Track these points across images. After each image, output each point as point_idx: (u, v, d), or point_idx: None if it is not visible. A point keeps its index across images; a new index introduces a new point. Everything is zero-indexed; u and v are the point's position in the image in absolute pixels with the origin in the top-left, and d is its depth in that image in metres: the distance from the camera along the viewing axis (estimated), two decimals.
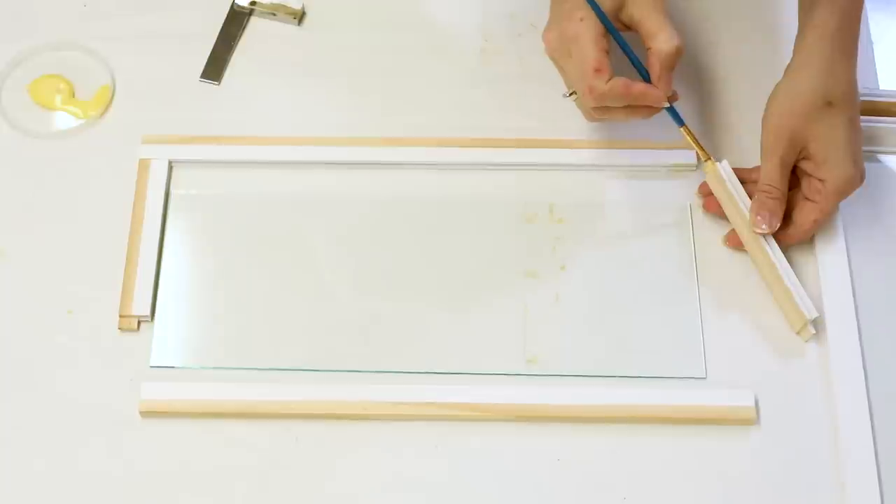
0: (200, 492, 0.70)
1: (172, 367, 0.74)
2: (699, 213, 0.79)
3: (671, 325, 0.75)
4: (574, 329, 0.75)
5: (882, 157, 0.81)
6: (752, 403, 0.72)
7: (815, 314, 0.74)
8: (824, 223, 0.77)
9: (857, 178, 0.74)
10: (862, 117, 0.75)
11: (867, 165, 0.75)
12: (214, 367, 0.74)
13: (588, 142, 0.82)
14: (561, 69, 0.76)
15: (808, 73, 0.74)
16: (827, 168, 0.74)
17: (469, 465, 0.71)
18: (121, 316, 0.75)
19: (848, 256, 0.77)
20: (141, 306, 0.75)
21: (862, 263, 0.77)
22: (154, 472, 0.71)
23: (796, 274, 0.75)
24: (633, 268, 0.77)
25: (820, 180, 0.74)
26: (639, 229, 0.79)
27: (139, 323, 0.75)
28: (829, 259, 0.77)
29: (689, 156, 0.81)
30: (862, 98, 0.77)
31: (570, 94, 0.76)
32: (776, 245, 0.76)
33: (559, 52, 0.74)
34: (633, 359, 0.74)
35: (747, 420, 0.72)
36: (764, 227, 0.75)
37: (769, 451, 0.71)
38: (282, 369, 0.74)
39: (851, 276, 0.76)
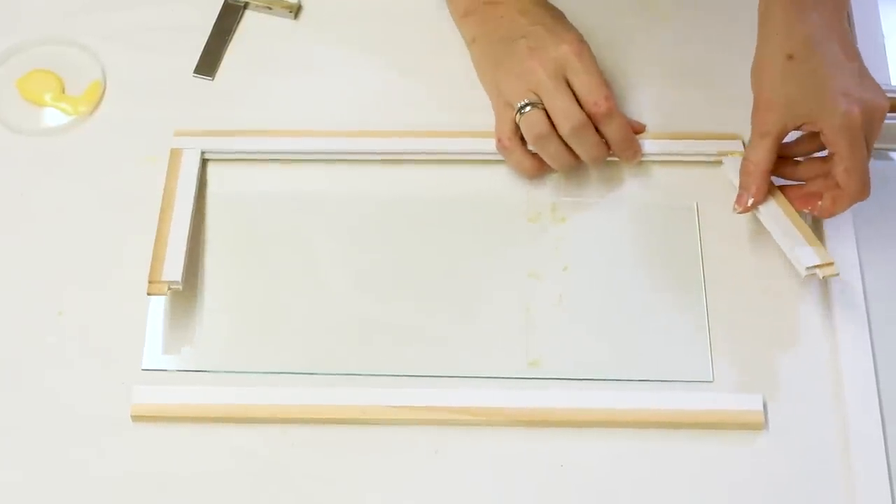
0: (194, 498, 0.69)
1: (165, 370, 0.73)
2: (705, 212, 0.78)
3: (677, 327, 0.74)
4: (577, 331, 0.74)
5: (894, 155, 0.80)
6: (760, 408, 0.71)
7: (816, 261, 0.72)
8: (860, 169, 0.71)
9: (853, 109, 0.70)
10: None
11: (876, 163, 0.73)
12: (208, 371, 0.73)
13: None
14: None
15: (763, 39, 0.73)
16: (818, 119, 0.71)
17: (470, 470, 0.70)
18: (150, 281, 0.72)
19: (859, 256, 0.76)
20: (172, 272, 0.72)
21: (874, 263, 0.76)
22: (145, 478, 0.69)
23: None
24: (637, 268, 0.76)
25: (821, 132, 0.72)
26: (644, 229, 0.78)
27: (169, 288, 0.72)
28: (840, 258, 0.75)
29: (705, 146, 0.80)
30: None
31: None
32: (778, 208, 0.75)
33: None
34: (638, 362, 0.73)
35: (755, 425, 0.71)
36: (737, 207, 0.75)
37: (778, 456, 0.70)
38: (277, 373, 0.73)
39: (862, 276, 0.75)
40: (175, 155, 0.78)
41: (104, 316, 0.74)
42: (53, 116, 0.82)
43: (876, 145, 0.74)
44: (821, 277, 0.72)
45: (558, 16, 0.79)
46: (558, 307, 0.75)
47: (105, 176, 0.79)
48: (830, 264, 0.72)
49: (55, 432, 0.71)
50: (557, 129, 0.75)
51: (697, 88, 0.83)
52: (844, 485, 0.69)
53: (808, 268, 0.72)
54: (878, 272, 0.76)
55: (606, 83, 0.76)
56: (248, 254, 0.77)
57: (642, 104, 0.82)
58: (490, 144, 0.79)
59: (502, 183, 0.79)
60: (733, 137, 0.80)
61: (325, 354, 0.73)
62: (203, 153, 0.79)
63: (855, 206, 0.76)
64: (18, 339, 0.73)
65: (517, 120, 0.75)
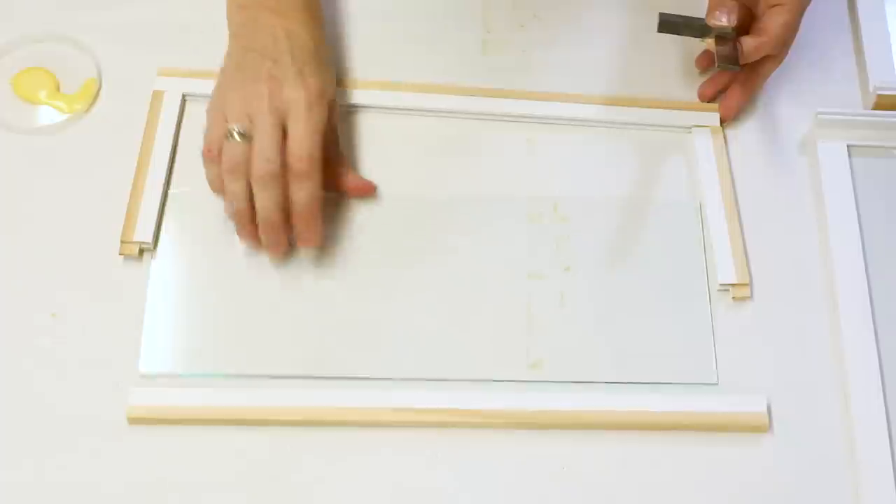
0: (192, 500, 0.68)
1: (162, 372, 0.72)
2: (709, 212, 0.77)
3: (681, 328, 0.74)
4: (579, 332, 0.73)
5: None
6: (764, 410, 0.71)
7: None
8: (795, 27, 0.75)
9: None
10: (876, 112, 0.73)
11: (882, 162, 0.73)
12: (206, 374, 0.72)
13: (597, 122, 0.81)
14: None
15: None
16: None
17: (470, 473, 0.70)
18: (122, 241, 0.73)
19: (864, 256, 0.75)
20: (143, 233, 0.73)
21: (879, 263, 0.75)
22: (142, 482, 0.69)
23: None
24: (640, 268, 0.76)
25: None
26: (647, 228, 0.77)
27: (141, 251, 0.73)
28: (845, 257, 0.75)
29: (706, 118, 0.80)
30: (878, 93, 0.75)
31: None
32: None
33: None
34: (640, 363, 0.73)
35: (760, 427, 0.70)
36: (723, 18, 0.73)
37: (782, 459, 0.70)
38: (276, 376, 0.72)
39: (867, 275, 0.75)
40: (156, 98, 0.79)
41: (99, 317, 0.73)
42: (48, 115, 0.81)
43: (880, 144, 0.74)
44: (731, 298, 0.74)
45: (320, 52, 0.75)
46: (560, 308, 0.74)
47: (100, 175, 0.78)
48: (745, 285, 0.74)
49: (49, 437, 0.70)
50: (251, 166, 0.70)
51: (674, 52, 0.83)
52: (850, 486, 0.69)
53: (721, 284, 0.74)
54: (882, 271, 0.75)
55: (320, 146, 0.71)
56: (246, 255, 0.76)
57: (625, 64, 0.83)
58: (491, 104, 0.80)
59: (502, 182, 0.79)
60: (712, 109, 0.80)
61: (324, 357, 0.72)
62: (184, 95, 0.79)
63: (861, 204, 0.76)
64: (11, 341, 0.73)
65: (225, 141, 0.71)
